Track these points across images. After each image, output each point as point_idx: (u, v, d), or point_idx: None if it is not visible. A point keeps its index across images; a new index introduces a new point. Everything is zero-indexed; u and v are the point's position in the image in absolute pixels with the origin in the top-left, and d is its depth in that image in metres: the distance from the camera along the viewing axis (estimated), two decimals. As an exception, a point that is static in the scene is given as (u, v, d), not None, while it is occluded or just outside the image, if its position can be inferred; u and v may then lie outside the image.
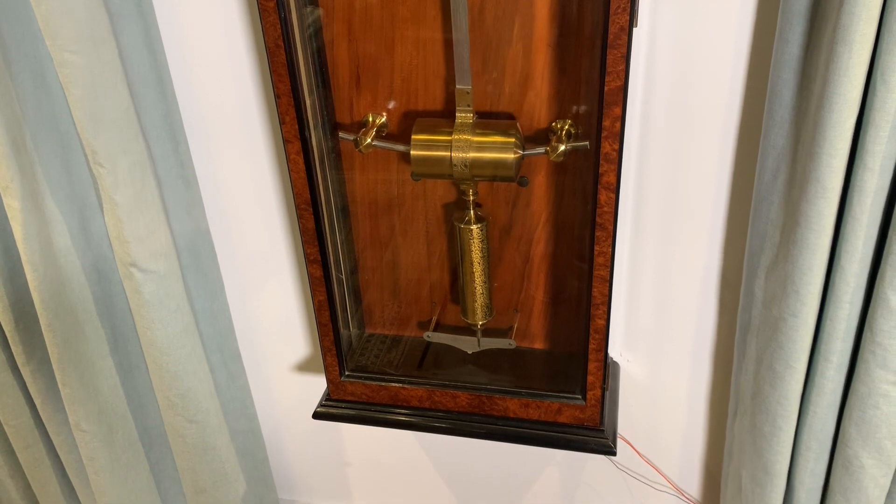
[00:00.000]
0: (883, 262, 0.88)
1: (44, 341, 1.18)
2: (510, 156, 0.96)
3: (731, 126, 1.02)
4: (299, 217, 1.04)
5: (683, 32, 0.97)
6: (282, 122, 0.96)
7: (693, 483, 1.39)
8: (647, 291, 1.19)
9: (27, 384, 1.26)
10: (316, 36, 0.98)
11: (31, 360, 1.22)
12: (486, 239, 1.06)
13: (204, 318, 1.29)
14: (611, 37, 0.81)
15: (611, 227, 0.94)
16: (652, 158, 1.07)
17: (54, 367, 1.18)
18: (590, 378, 1.06)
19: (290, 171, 1.00)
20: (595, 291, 0.99)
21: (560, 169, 1.02)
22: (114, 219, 1.06)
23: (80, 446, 1.27)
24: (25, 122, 1.03)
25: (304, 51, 0.95)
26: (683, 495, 1.40)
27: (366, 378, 1.16)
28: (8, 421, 1.32)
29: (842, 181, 0.85)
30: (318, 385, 1.43)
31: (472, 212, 1.04)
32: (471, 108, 0.96)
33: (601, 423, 1.10)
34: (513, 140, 0.95)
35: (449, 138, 0.96)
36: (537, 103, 0.98)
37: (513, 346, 1.15)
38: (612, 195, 0.92)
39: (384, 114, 1.03)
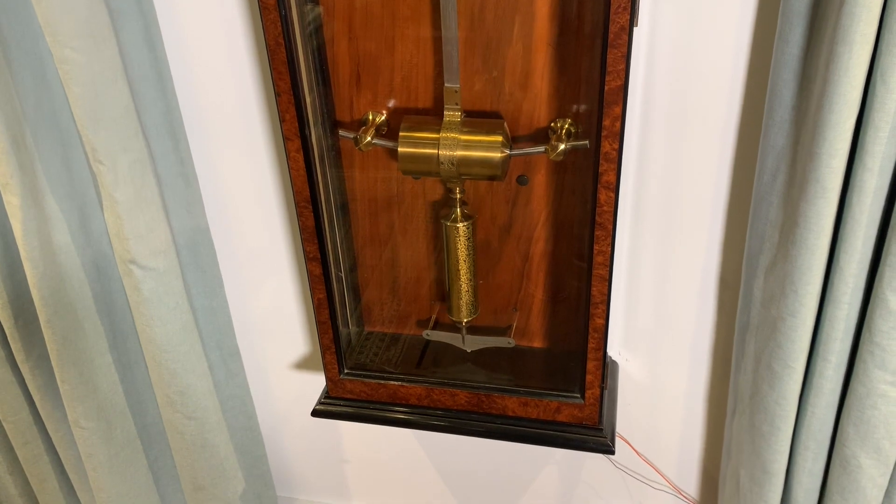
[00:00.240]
0: (882, 262, 0.88)
1: (43, 338, 1.18)
2: (497, 155, 0.96)
3: (731, 126, 1.02)
4: (299, 215, 1.04)
5: (684, 32, 0.97)
6: (282, 120, 0.96)
7: (691, 482, 1.40)
8: (647, 291, 1.19)
9: (26, 381, 1.26)
10: (316, 34, 0.98)
11: (30, 356, 1.22)
12: (473, 237, 1.06)
13: (203, 315, 1.29)
14: (611, 36, 0.82)
15: (610, 227, 0.94)
16: (652, 158, 1.07)
17: (53, 363, 1.18)
18: (588, 377, 1.06)
19: (289, 168, 1.00)
20: (594, 290, 0.99)
21: (560, 168, 1.03)
22: (113, 216, 1.06)
23: (79, 443, 1.27)
24: (25, 119, 1.03)
25: (305, 48, 0.95)
26: (681, 494, 1.41)
27: (365, 376, 1.16)
28: (7, 417, 1.32)
29: (841, 182, 0.85)
30: (316, 383, 1.43)
31: (458, 209, 1.04)
32: (459, 107, 0.96)
33: (600, 422, 1.10)
34: (500, 139, 0.96)
35: (436, 136, 0.97)
36: (537, 102, 0.98)
37: (512, 345, 1.15)
38: (612, 194, 0.92)
39: (384, 112, 1.03)
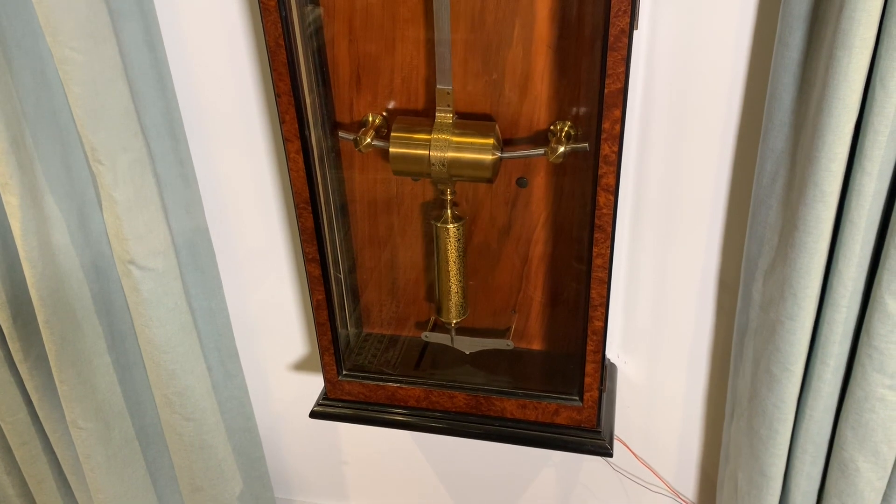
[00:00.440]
0: (880, 266, 0.88)
1: (41, 338, 1.18)
2: (488, 157, 0.96)
3: (731, 129, 1.02)
4: (298, 216, 1.04)
5: (684, 35, 0.97)
6: (282, 121, 0.96)
7: (689, 485, 1.39)
8: (645, 293, 1.19)
9: (24, 381, 1.26)
10: (316, 35, 0.99)
11: (29, 356, 1.22)
12: (463, 238, 1.06)
13: (202, 316, 1.29)
14: (611, 39, 0.82)
15: (609, 229, 0.94)
16: (651, 160, 1.07)
17: (51, 363, 1.18)
18: (587, 379, 1.06)
19: (289, 169, 1.00)
20: (593, 293, 0.99)
21: (559, 170, 1.03)
22: (113, 216, 1.06)
23: (77, 443, 1.27)
24: (25, 118, 1.03)
25: (305, 50, 0.95)
26: (679, 497, 1.41)
27: (363, 377, 1.16)
28: (4, 417, 1.32)
29: (840, 185, 0.85)
30: (315, 384, 1.43)
31: (449, 211, 1.04)
32: (451, 108, 0.97)
33: (598, 424, 1.10)
34: (491, 142, 0.96)
35: (428, 137, 0.97)
36: (537, 104, 0.98)
37: (510, 347, 1.15)
38: (611, 197, 0.92)
39: (384, 113, 1.03)
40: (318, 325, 1.12)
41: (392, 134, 0.98)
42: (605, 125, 0.87)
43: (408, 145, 0.98)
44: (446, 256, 1.07)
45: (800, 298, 0.92)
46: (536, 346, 1.20)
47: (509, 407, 1.12)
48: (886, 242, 0.87)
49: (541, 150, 0.96)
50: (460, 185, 1.06)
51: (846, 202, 0.87)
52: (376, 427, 1.20)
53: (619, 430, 1.34)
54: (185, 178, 1.18)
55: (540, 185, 1.04)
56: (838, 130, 0.81)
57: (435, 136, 0.97)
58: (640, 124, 1.04)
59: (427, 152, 0.97)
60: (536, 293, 1.14)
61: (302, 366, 1.42)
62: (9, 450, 1.39)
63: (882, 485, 1.01)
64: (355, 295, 1.21)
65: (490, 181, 0.99)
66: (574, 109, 0.97)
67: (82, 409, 1.22)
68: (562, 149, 0.93)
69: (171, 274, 1.14)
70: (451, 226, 1.04)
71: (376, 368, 1.18)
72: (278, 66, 0.92)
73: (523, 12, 0.92)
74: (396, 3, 0.95)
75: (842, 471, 1.01)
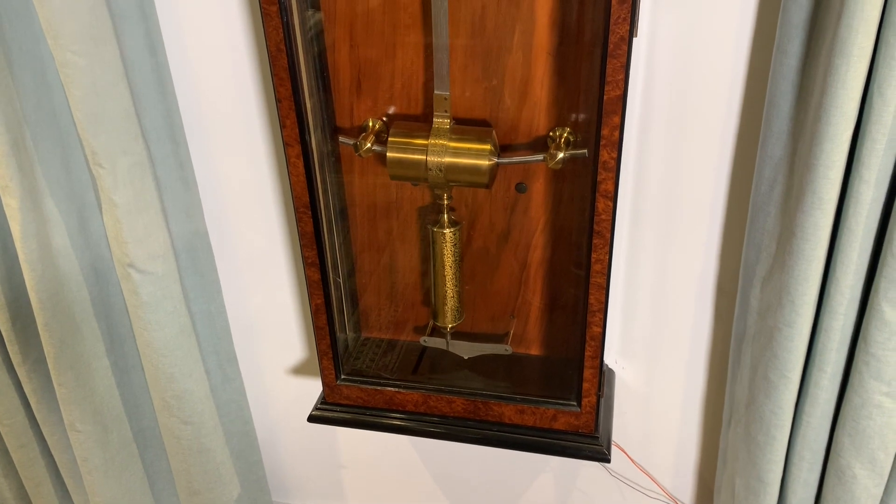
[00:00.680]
0: (877, 274, 0.88)
1: (40, 341, 1.18)
2: (485, 162, 0.96)
3: (729, 136, 1.02)
4: (298, 220, 1.04)
5: (683, 43, 0.97)
6: (282, 126, 0.97)
7: (687, 491, 1.39)
8: (644, 299, 1.19)
9: (22, 384, 1.25)
10: (317, 40, 0.99)
11: (27, 359, 1.22)
12: (459, 243, 1.06)
13: (201, 320, 1.29)
14: (611, 46, 0.82)
15: (608, 235, 0.94)
16: (650, 167, 1.07)
17: (50, 366, 1.18)
18: (585, 385, 1.06)
19: (289, 174, 1.00)
20: (591, 298, 0.99)
21: (558, 176, 1.03)
22: (112, 219, 1.06)
23: (75, 446, 1.26)
24: (26, 121, 1.03)
25: (306, 55, 0.96)
26: (677, 503, 1.41)
27: (361, 382, 1.16)
28: (2, 420, 1.32)
29: (838, 192, 0.85)
30: (313, 388, 1.43)
31: (445, 216, 1.05)
32: (448, 114, 0.97)
33: (596, 430, 1.10)
34: (488, 147, 0.96)
35: (425, 142, 0.97)
36: (536, 110, 0.98)
37: (509, 352, 1.16)
38: (610, 203, 0.92)
39: (384, 118, 1.04)
40: (317, 329, 1.12)
41: (389, 139, 0.99)
42: (605, 132, 0.87)
43: (405, 150, 0.98)
44: (443, 261, 1.07)
45: (797, 305, 0.92)
46: (535, 351, 1.20)
47: (507, 412, 1.12)
48: (884, 250, 0.87)
49: (539, 156, 0.96)
50: (460, 190, 1.07)
51: (844, 210, 0.87)
52: (374, 432, 1.19)
53: (616, 435, 1.34)
54: (185, 182, 1.18)
55: (539, 190, 1.05)
56: (836, 138, 0.81)
57: (432, 141, 0.97)
58: (639, 130, 1.05)
59: (424, 157, 0.98)
60: (535, 298, 1.14)
61: (300, 370, 1.42)
62: (6, 452, 1.39)
63: (879, 492, 1.01)
64: (354, 299, 1.21)
65: (487, 186, 1.00)
66: (573, 116, 0.98)
67: (80, 412, 1.22)
68: (561, 155, 0.94)
69: (171, 277, 1.14)
70: (447, 230, 1.05)
71: (374, 373, 1.18)
72: (279, 71, 0.93)
73: (523, 18, 0.93)
74: (397, 8, 0.95)
75: (839, 477, 1.01)
